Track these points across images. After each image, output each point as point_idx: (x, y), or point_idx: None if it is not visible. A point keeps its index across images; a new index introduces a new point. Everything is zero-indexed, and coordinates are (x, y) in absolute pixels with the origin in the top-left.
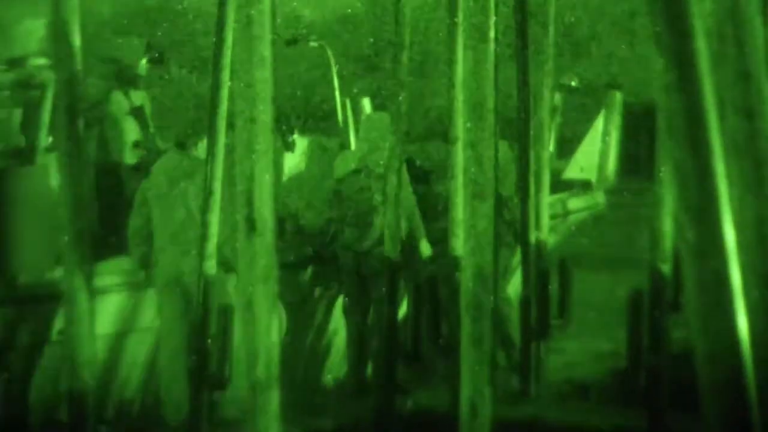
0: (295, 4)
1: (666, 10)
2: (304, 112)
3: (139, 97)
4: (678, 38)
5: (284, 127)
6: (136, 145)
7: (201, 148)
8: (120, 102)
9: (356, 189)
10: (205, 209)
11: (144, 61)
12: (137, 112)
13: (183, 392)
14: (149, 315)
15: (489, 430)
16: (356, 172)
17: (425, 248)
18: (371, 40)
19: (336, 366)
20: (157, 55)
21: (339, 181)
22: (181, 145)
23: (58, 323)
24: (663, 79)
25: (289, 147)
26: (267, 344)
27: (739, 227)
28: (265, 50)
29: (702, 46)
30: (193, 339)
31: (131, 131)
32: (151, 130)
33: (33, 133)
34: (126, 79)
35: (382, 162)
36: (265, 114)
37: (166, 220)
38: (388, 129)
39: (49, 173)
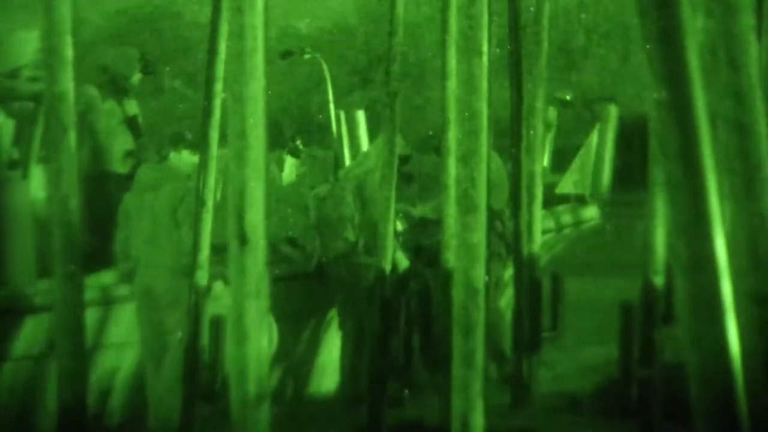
0: (290, 17)
1: (658, 27)
2: (298, 123)
3: (132, 106)
4: (670, 55)
5: (288, 134)
6: (128, 154)
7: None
8: (113, 111)
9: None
10: (197, 220)
11: (138, 73)
12: (131, 122)
13: (172, 406)
14: (123, 329)
15: None
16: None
17: (401, 260)
18: (365, 52)
19: (328, 378)
20: (149, 66)
21: (358, 181)
22: (163, 157)
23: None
24: (655, 95)
25: (295, 153)
26: (258, 358)
27: (730, 243)
28: (258, 63)
29: (694, 63)
30: (184, 351)
31: (124, 141)
32: (144, 139)
33: (26, 145)
34: (119, 89)
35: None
36: (257, 127)
37: (139, 232)
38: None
39: (29, 187)
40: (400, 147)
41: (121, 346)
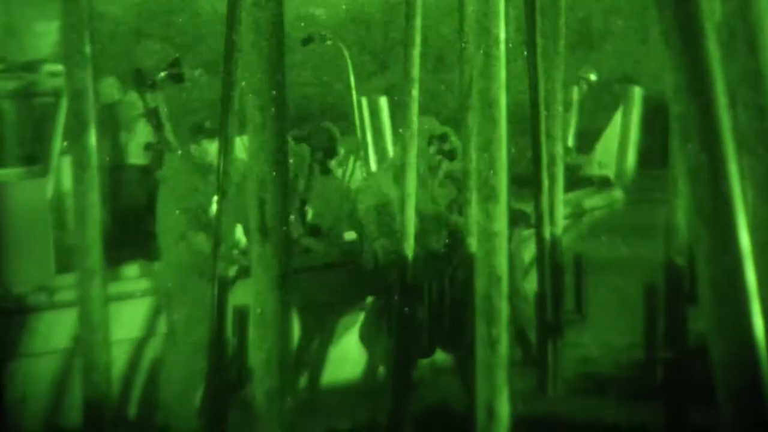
0: (308, 5)
1: (675, 9)
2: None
3: (155, 98)
4: (687, 38)
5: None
6: (147, 147)
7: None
8: (134, 104)
9: None
10: (218, 210)
11: (163, 74)
12: (151, 114)
13: (193, 399)
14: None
15: (506, 431)
16: None
17: None
18: (384, 38)
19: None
20: (177, 71)
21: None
22: (185, 147)
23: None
24: (673, 79)
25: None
26: (281, 349)
27: (752, 227)
28: (277, 54)
29: (712, 45)
30: (209, 342)
31: (143, 133)
32: (167, 131)
33: (47, 141)
34: (143, 81)
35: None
36: (277, 118)
37: (162, 227)
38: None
39: (49, 183)
40: (434, 127)
41: (139, 340)
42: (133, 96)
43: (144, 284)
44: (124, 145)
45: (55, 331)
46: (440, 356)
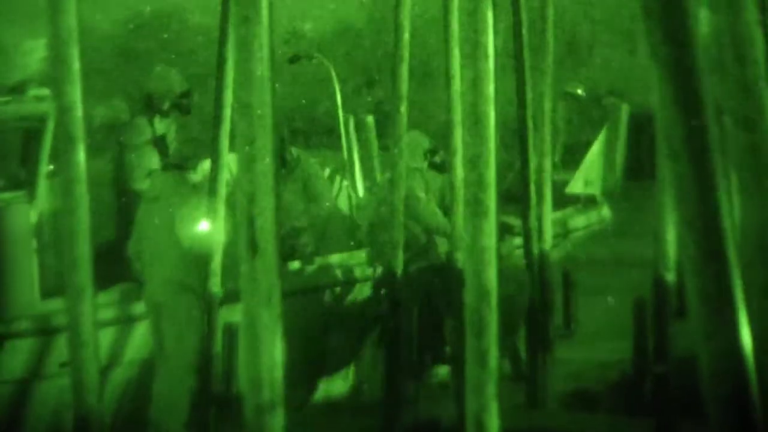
0: (295, 20)
1: (662, 20)
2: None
3: (163, 125)
4: (675, 49)
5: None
6: (149, 174)
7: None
8: (143, 129)
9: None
10: (209, 228)
11: (169, 104)
12: (158, 142)
13: (182, 415)
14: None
15: None
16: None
17: None
18: (371, 54)
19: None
20: (186, 102)
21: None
22: (177, 166)
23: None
24: (660, 90)
25: (287, 164)
26: (270, 365)
27: (740, 237)
28: (264, 70)
29: (700, 57)
30: (198, 358)
31: (150, 160)
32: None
33: (33, 166)
34: (152, 108)
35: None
36: (264, 134)
37: (146, 244)
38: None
39: (33, 209)
40: (425, 142)
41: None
42: (141, 121)
43: (136, 309)
44: (130, 170)
45: (41, 357)
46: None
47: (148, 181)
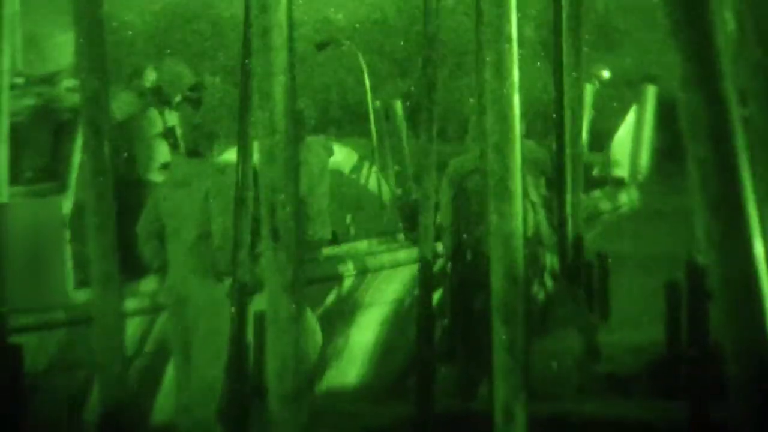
0: (327, 10)
1: (684, 2)
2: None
3: (173, 117)
4: (696, 29)
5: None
6: (164, 166)
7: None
8: (155, 121)
9: (477, 188)
10: (237, 217)
11: (179, 97)
12: (169, 133)
13: (214, 408)
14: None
15: None
16: (474, 171)
17: None
18: (402, 42)
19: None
20: (197, 96)
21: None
22: (194, 153)
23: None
24: (682, 72)
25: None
26: (295, 353)
27: (765, 220)
28: (283, 59)
29: (721, 37)
30: (230, 347)
31: (162, 152)
32: (181, 150)
33: (65, 157)
34: (163, 100)
35: None
36: (285, 123)
37: (172, 233)
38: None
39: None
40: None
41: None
42: (153, 113)
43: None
44: (140, 161)
45: (75, 347)
46: None
47: (164, 171)
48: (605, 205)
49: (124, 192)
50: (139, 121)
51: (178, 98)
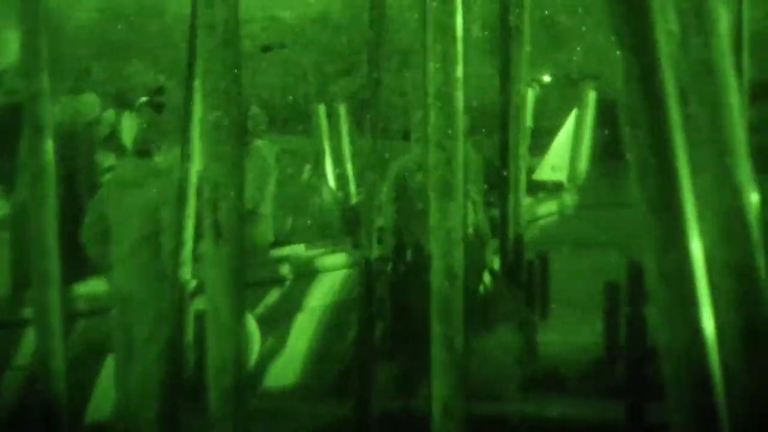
0: (274, 8)
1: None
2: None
3: (131, 121)
4: (637, 27)
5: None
6: (107, 169)
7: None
8: (109, 124)
9: (420, 187)
10: (179, 215)
11: (143, 100)
12: (114, 137)
13: (152, 408)
14: None
15: (462, 430)
16: (417, 171)
17: None
18: (346, 40)
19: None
20: (159, 100)
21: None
22: (141, 153)
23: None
24: (622, 69)
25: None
26: (235, 353)
27: (703, 219)
28: (231, 56)
29: (662, 35)
30: (168, 347)
31: (110, 155)
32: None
33: (11, 157)
34: (123, 102)
35: None
36: (229, 120)
37: (119, 234)
38: None
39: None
40: None
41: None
42: (110, 114)
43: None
44: (99, 165)
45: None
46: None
47: (111, 171)
48: (543, 208)
49: (74, 191)
50: (98, 124)
51: (141, 102)
